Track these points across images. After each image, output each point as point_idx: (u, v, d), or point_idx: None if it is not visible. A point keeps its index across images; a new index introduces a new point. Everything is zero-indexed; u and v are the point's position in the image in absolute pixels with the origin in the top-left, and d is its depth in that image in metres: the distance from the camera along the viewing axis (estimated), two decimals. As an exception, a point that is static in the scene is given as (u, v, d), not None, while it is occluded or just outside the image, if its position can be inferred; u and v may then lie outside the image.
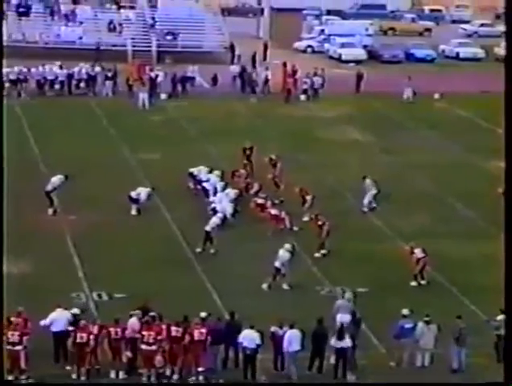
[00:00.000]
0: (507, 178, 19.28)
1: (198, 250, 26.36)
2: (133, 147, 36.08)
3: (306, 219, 28.49)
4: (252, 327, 20.13)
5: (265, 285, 24.12)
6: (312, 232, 26.83)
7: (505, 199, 19.35)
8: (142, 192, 29.22)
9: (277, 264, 24.07)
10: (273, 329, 20.32)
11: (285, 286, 24.16)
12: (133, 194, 29.11)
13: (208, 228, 26.32)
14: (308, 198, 29.02)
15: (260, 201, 28.79)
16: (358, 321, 20.98)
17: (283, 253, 24.20)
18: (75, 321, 20.07)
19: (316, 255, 26.34)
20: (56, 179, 29.17)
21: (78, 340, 19.56)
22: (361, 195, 30.34)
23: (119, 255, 25.99)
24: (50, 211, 28.83)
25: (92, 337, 19.57)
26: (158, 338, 19.74)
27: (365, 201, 30.12)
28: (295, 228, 27.87)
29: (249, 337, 20.06)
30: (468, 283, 24.75)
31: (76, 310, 20.56)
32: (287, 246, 24.45)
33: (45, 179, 30.00)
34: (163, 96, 44.74)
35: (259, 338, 20.01)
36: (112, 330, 19.80)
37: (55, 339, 20.13)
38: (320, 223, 26.65)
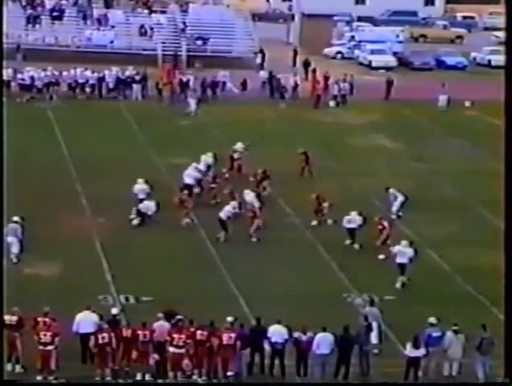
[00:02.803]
0: (507, 181, 19.16)
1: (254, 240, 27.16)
2: (161, 151, 36.19)
3: (314, 223, 28.53)
4: (279, 322, 20.38)
5: (398, 285, 24.68)
6: (331, 237, 26.80)
7: (505, 204, 19.19)
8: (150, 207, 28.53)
9: (403, 260, 24.71)
10: (296, 334, 20.38)
11: (398, 285, 24.69)
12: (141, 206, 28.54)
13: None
14: (325, 205, 28.90)
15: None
16: (369, 326, 20.95)
17: (409, 249, 24.85)
18: (113, 320, 20.28)
19: (380, 257, 26.46)
20: (139, 188, 29.22)
21: (100, 341, 19.64)
22: (389, 202, 30.25)
23: (147, 258, 26.08)
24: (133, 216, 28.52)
25: (113, 337, 19.64)
26: (188, 341, 19.79)
27: (394, 209, 30.02)
28: (254, 239, 27.52)
29: (277, 332, 20.28)
30: (497, 292, 24.53)
31: (115, 310, 20.85)
32: (405, 242, 25.08)
33: (74, 182, 30.10)
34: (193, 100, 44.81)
35: (287, 332, 20.27)
36: (140, 332, 19.89)
37: (81, 341, 20.22)
38: (380, 227, 26.93)
